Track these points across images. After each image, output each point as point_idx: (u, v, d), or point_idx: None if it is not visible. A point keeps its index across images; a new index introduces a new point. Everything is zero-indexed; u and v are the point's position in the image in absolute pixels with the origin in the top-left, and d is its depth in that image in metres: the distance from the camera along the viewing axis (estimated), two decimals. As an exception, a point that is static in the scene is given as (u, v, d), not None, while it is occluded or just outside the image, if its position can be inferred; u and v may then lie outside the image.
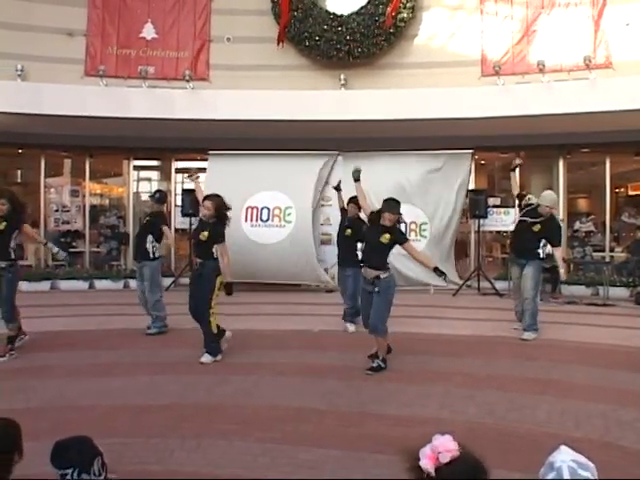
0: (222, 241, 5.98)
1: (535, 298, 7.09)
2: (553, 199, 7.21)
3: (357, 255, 7.42)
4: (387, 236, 5.62)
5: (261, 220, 10.79)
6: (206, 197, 6.11)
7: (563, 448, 1.57)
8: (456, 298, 10.12)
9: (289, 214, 10.79)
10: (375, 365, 5.67)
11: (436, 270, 5.81)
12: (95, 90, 10.18)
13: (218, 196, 6.08)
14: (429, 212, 10.84)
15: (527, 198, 7.37)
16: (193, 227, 5.94)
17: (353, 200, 7.32)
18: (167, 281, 10.19)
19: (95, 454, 2.02)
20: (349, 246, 7.60)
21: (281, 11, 10.92)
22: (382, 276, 5.63)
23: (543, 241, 7.39)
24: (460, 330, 7.52)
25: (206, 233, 5.95)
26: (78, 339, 6.96)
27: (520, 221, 7.31)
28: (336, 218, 9.68)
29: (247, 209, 10.80)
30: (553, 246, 7.28)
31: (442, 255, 10.64)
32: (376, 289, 5.61)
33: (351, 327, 7.47)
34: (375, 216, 5.77)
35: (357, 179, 6.25)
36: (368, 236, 5.94)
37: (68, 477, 1.94)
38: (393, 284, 5.76)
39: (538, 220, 7.02)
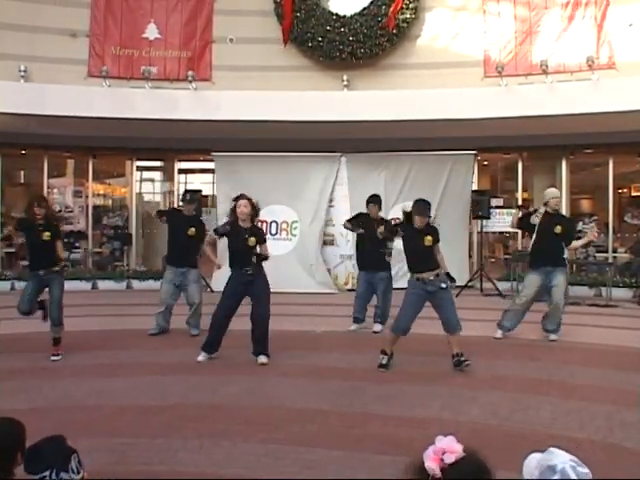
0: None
1: None
2: (556, 190, 7.28)
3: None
4: (429, 238, 5.70)
5: (270, 234, 10.87)
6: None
7: (555, 450, 1.56)
8: (459, 299, 10.02)
9: (295, 228, 11.02)
10: (463, 359, 5.69)
11: (447, 275, 5.83)
12: (98, 91, 10.18)
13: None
14: (433, 211, 10.86)
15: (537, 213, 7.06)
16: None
17: (373, 200, 7.46)
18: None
19: (71, 451, 1.96)
20: (379, 247, 7.29)
21: (284, 12, 10.92)
22: (441, 272, 5.71)
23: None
24: (463, 331, 7.50)
25: (253, 239, 5.97)
26: (82, 340, 6.96)
27: (541, 224, 6.88)
28: (339, 219, 9.73)
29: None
30: (568, 245, 7.15)
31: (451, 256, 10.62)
32: (442, 285, 5.68)
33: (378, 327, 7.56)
34: (405, 218, 5.81)
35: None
36: (410, 244, 5.80)
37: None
38: None
39: (557, 220, 6.85)
